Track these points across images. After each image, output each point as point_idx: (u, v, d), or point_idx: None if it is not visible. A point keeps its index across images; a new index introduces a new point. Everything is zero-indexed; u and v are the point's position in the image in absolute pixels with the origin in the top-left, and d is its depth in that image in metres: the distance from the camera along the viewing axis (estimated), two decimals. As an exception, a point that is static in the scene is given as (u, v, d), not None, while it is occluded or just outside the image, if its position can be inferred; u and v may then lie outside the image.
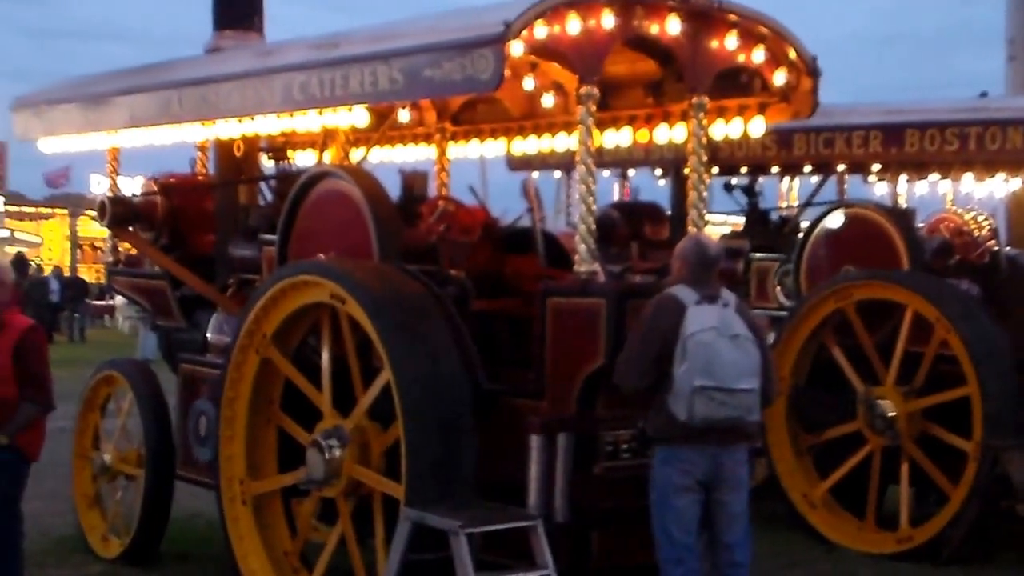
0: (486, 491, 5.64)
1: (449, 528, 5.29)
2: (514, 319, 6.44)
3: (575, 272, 5.87)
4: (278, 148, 7.99)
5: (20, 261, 23.22)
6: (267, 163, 8.17)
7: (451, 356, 5.73)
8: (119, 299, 25.73)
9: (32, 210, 47.70)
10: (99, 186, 47.89)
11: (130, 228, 8.18)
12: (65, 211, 46.82)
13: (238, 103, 6.71)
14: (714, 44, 6.36)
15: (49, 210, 48.18)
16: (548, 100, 7.15)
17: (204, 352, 7.65)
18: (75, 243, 45.96)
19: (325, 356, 6.28)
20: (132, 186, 9.56)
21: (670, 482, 5.49)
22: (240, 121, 6.88)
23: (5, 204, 39.79)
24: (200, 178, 8.70)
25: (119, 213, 8.05)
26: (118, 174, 8.58)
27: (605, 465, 5.78)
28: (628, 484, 5.76)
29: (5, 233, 38.36)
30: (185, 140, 7.63)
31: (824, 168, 11.66)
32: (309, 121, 6.55)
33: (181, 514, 8.30)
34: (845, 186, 12.11)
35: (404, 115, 7.99)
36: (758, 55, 6.52)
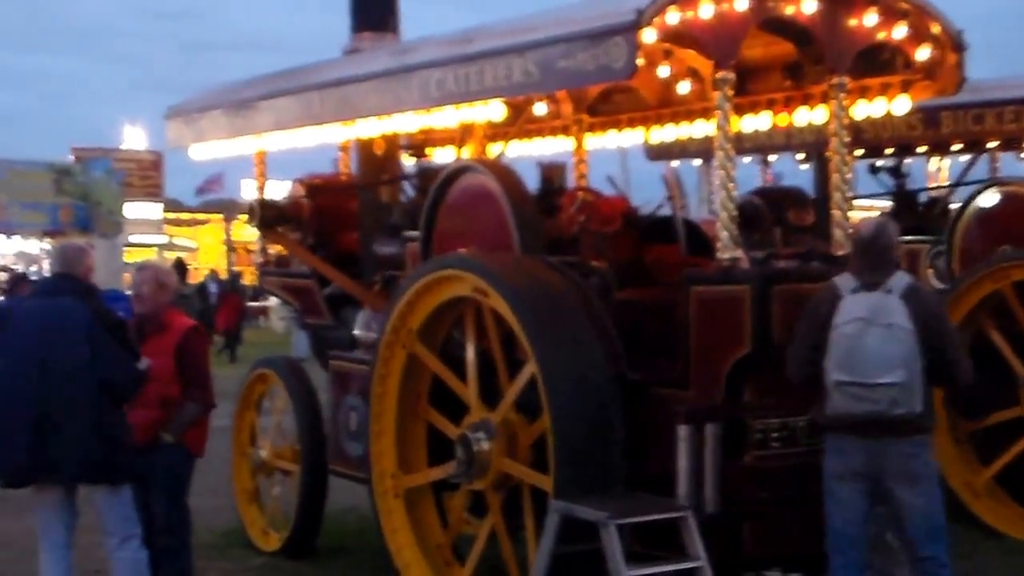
0: (633, 482, 5.58)
1: (598, 520, 5.24)
2: (657, 308, 6.35)
3: (718, 259, 5.77)
4: (418, 145, 8.04)
5: (179, 266, 23.82)
6: (408, 161, 8.22)
7: (595, 347, 5.68)
8: (273, 299, 26.22)
9: (188, 216, 49.02)
10: (250, 191, 48.94)
11: (278, 229, 8.32)
12: (220, 216, 48.03)
13: (376, 102, 6.76)
14: (853, 22, 6.18)
15: (205, 216, 49.46)
16: (684, 87, 7.04)
17: (352, 349, 7.72)
18: (230, 247, 47.09)
19: (470, 350, 6.29)
20: (281, 189, 9.72)
21: (832, 471, 5.36)
22: (379, 120, 6.93)
23: (163, 211, 40.90)
24: (343, 178, 8.81)
25: (268, 215, 8.20)
26: (266, 178, 8.74)
27: (755, 454, 5.66)
28: (780, 474, 5.64)
29: (164, 239, 39.47)
30: (327, 141, 7.72)
31: (974, 146, 11.27)
32: (446, 117, 6.56)
33: (336, 508, 8.42)
34: (997, 164, 11.70)
35: (541, 108, 7.98)
36: (900, 31, 6.32)
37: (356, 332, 7.74)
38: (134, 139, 40.47)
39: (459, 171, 6.68)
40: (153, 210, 37.13)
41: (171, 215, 44.92)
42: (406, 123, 6.82)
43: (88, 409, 5.81)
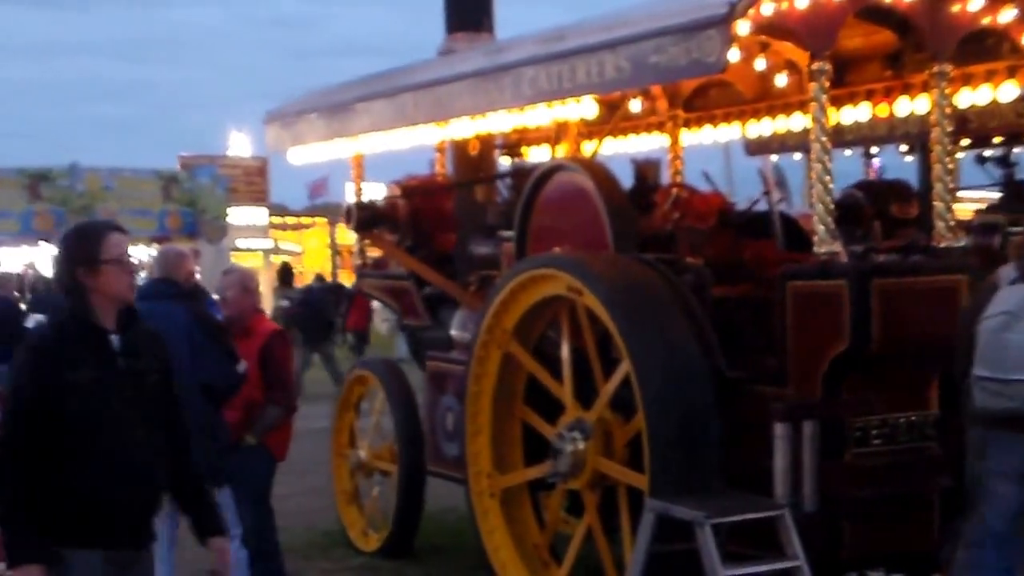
0: (730, 480, 5.52)
1: (694, 519, 5.19)
2: (754, 304, 6.27)
3: (815, 254, 5.68)
4: (512, 145, 8.04)
5: (285, 271, 24.08)
6: (503, 161, 8.23)
7: (690, 344, 5.63)
8: (377, 302, 26.43)
9: (294, 220, 49.58)
10: (351, 194, 49.45)
11: (375, 231, 8.38)
12: (324, 220, 48.48)
13: (470, 102, 6.77)
14: (955, 8, 6.03)
15: (310, 219, 49.97)
16: (781, 80, 6.95)
17: (450, 349, 7.75)
18: (335, 250, 47.53)
19: (565, 349, 6.28)
20: (378, 192, 9.80)
21: (987, 467, 5.22)
22: (473, 120, 6.95)
23: (269, 216, 41.43)
24: (439, 179, 8.85)
25: (364, 217, 8.27)
26: (363, 180, 8.82)
27: (855, 452, 5.56)
28: (881, 472, 5.54)
29: (269, 243, 39.98)
30: (423, 143, 7.76)
31: (1088, 133, 10.93)
32: (540, 116, 6.55)
33: (435, 508, 8.45)
34: (1114, 151, 11.33)
35: (635, 105, 7.94)
36: (1006, 15, 6.14)
37: (453, 332, 7.78)
38: (240, 146, 41.09)
39: (553, 170, 6.68)
40: (259, 215, 37.61)
41: (277, 220, 45.43)
42: (500, 123, 6.82)
43: (191, 411, 5.89)
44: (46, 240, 25.70)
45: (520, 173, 7.73)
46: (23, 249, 26.96)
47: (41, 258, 27.77)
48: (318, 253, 47.63)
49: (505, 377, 6.64)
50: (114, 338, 3.95)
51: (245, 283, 6.73)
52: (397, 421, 7.94)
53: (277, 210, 45.89)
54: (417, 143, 7.70)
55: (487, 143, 7.86)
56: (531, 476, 6.55)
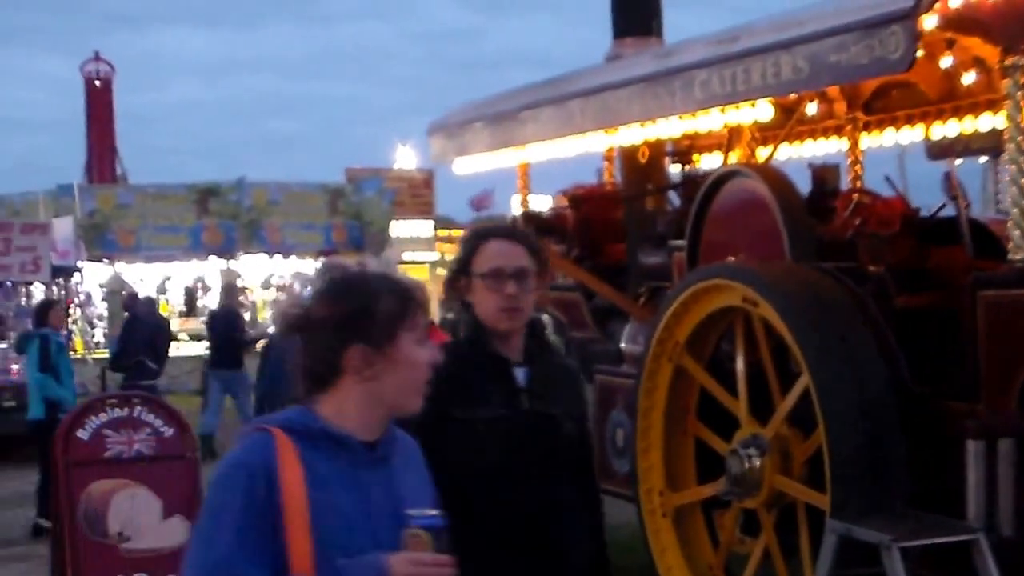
0: (917, 501, 5.28)
1: (880, 542, 4.98)
2: (941, 315, 6.02)
3: (1009, 261, 5.41)
4: (683, 152, 7.90)
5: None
6: (673, 168, 8.10)
7: (873, 357, 5.42)
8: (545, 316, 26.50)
9: (458, 233, 50.05)
10: (516, 205, 50.12)
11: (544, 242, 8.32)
12: (489, 232, 48.83)
13: (639, 108, 6.66)
14: None
15: (474, 232, 50.34)
16: (969, 78, 6.66)
17: (619, 363, 7.65)
18: (499, 263, 47.76)
19: (740, 362, 6.11)
20: (543, 203, 9.76)
21: None
22: (642, 126, 6.84)
23: (435, 228, 41.88)
24: (608, 188, 8.76)
25: (531, 228, 8.21)
26: (529, 190, 8.78)
27: (1057, 472, 5.27)
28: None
29: (435, 256, 40.40)
30: (590, 150, 7.68)
31: None
32: (712, 120, 6.41)
33: (607, 524, 8.31)
34: None
35: (812, 108, 7.72)
36: None
37: (623, 345, 7.68)
38: (406, 159, 41.71)
39: (726, 176, 6.53)
40: (424, 228, 38.07)
41: (442, 232, 45.93)
42: (670, 128, 6.70)
43: None
44: (216, 254, 26.46)
45: (691, 181, 7.59)
46: (193, 263, 27.73)
47: (211, 272, 28.55)
48: (482, 266, 47.91)
49: (677, 391, 6.51)
50: (519, 371, 3.29)
51: None
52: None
53: (442, 223, 46.39)
54: (585, 151, 7.62)
55: (657, 150, 7.74)
56: (705, 494, 6.40)
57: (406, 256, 35.02)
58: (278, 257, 27.16)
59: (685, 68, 6.33)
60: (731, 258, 6.30)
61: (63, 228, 23.49)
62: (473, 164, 8.52)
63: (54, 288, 21.49)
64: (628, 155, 7.87)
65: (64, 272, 21.91)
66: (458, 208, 48.38)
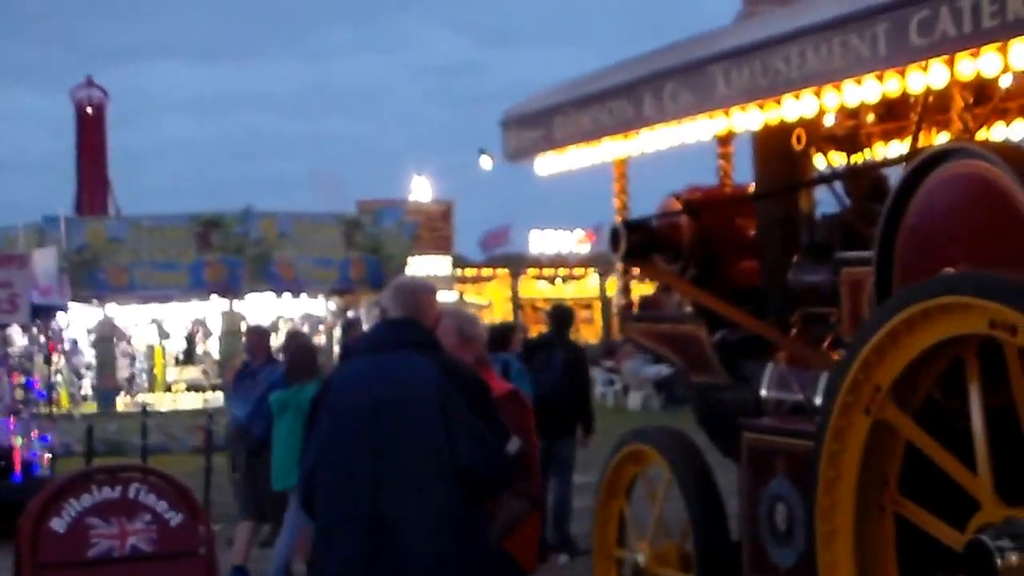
0: None
1: None
2: None
3: None
4: (847, 137, 6.39)
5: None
6: (832, 158, 6.58)
7: None
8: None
9: (473, 272, 49.51)
10: (540, 242, 49.34)
11: (651, 259, 6.79)
12: (506, 271, 48.30)
13: (819, 66, 5.12)
14: None
15: (490, 271, 49.90)
16: None
17: (758, 414, 6.19)
18: (516, 303, 47.17)
19: (977, 414, 4.58)
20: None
21: None
22: (818, 95, 5.30)
23: (452, 266, 41.04)
24: (728, 190, 7.31)
25: (637, 241, 6.65)
26: (626, 193, 7.32)
27: None
28: None
29: (455, 295, 39.57)
30: (741, 129, 6.06)
31: None
32: (934, 76, 4.85)
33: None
34: None
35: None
36: None
37: (764, 392, 6.26)
38: (421, 190, 40.84)
39: (940, 156, 5.00)
40: (442, 264, 37.08)
41: (457, 271, 45.24)
42: (865, 92, 5.12)
43: (438, 508, 4.48)
44: (218, 293, 25.19)
45: (858, 174, 6.10)
46: (192, 304, 26.52)
47: (212, 314, 27.22)
48: (498, 307, 47.58)
49: (874, 456, 4.99)
50: None
51: (464, 331, 5.36)
52: (692, 513, 6.39)
53: (457, 261, 45.68)
54: (721, 131, 6.07)
55: (814, 131, 6.20)
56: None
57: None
58: (287, 296, 25.89)
59: (893, 6, 4.80)
60: (948, 269, 4.79)
61: (45, 260, 21.88)
62: (562, 161, 7.00)
63: (34, 330, 19.76)
64: (770, 139, 6.30)
65: (46, 312, 20.10)
66: (468, 246, 47.33)
